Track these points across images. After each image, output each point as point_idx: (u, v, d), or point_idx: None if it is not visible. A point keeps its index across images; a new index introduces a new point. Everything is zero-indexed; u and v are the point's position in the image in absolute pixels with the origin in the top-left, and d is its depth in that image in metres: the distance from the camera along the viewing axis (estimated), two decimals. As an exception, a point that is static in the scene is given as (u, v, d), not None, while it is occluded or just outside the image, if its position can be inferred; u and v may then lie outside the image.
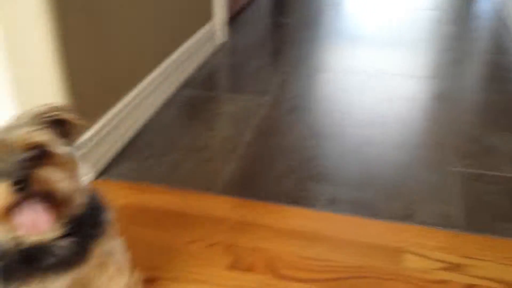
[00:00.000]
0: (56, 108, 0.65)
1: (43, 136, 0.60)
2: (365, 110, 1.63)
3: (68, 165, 0.63)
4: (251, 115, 1.62)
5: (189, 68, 1.91)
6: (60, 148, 0.63)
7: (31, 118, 0.62)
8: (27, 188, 0.56)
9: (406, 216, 1.16)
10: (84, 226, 0.67)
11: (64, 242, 0.66)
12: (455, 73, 1.85)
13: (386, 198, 1.22)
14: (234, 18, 2.52)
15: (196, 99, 1.76)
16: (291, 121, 1.59)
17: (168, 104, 1.71)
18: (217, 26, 2.18)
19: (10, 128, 0.60)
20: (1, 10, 1.12)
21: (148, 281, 1.00)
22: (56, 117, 0.65)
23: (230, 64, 2.06)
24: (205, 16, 2.08)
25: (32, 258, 0.65)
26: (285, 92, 1.77)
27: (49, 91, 1.22)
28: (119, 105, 1.46)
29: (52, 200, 0.59)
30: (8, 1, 1.11)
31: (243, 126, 1.56)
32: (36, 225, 0.58)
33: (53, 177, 0.60)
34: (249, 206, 1.21)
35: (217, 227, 1.14)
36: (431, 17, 2.43)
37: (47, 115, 0.64)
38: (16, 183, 0.56)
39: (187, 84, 1.86)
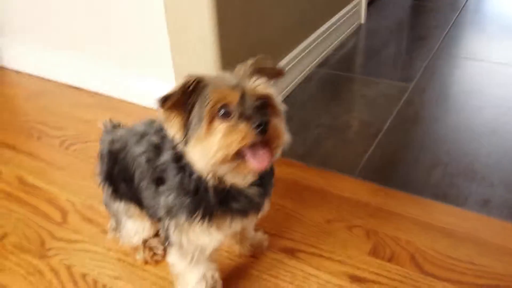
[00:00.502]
0: (264, 60, 0.72)
1: (270, 88, 0.68)
2: (490, 97, 1.46)
3: (282, 114, 0.70)
4: (392, 100, 1.54)
5: (329, 47, 1.87)
6: (278, 99, 0.69)
7: (251, 70, 0.69)
8: (265, 132, 0.63)
9: None
10: (265, 181, 0.73)
11: (253, 190, 0.73)
12: None
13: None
14: (372, 2, 2.42)
15: (334, 79, 1.71)
16: (438, 113, 1.48)
17: (306, 80, 1.69)
18: (359, 6, 2.10)
19: (240, 78, 0.67)
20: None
21: (287, 251, 1.00)
22: (265, 67, 0.71)
23: (370, 47, 1.97)
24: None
25: (226, 199, 0.72)
26: (429, 80, 1.65)
27: (204, 56, 1.26)
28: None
29: (272, 144, 0.66)
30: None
31: (384, 111, 1.48)
32: (261, 163, 0.64)
33: (280, 126, 0.67)
34: (391, 194, 1.14)
35: (357, 210, 1.10)
36: None
37: (260, 66, 0.71)
38: (258, 126, 0.62)
39: (326, 62, 1.81)
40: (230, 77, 0.68)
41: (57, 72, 1.75)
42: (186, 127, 0.66)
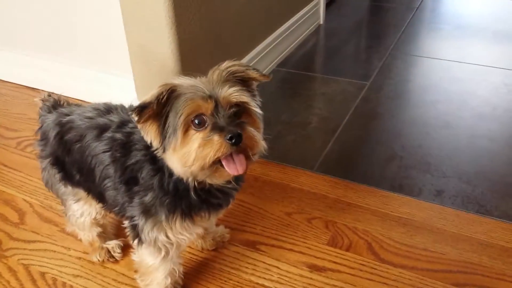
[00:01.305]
0: (244, 66, 0.72)
1: (247, 96, 0.69)
2: (479, 102, 1.53)
3: (259, 122, 0.72)
4: (351, 97, 1.58)
5: (289, 46, 1.90)
6: (255, 106, 0.71)
7: (225, 76, 0.69)
8: (239, 143, 0.64)
9: (519, 217, 1.08)
10: (238, 177, 0.73)
11: (229, 185, 0.75)
12: None
13: (498, 196, 1.14)
14: (332, 1, 2.47)
15: (295, 77, 1.74)
16: (394, 107, 1.53)
17: (267, 79, 1.71)
18: (318, 7, 2.14)
19: (213, 85, 0.67)
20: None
21: (249, 244, 1.01)
22: (245, 75, 0.72)
23: (329, 46, 2.02)
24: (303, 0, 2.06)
25: (206, 196, 0.75)
26: (386, 77, 1.70)
27: (162, 58, 1.26)
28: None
29: (248, 152, 0.67)
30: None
31: (343, 108, 1.52)
32: (237, 171, 0.66)
33: (256, 135, 0.68)
34: (349, 187, 1.18)
35: (317, 203, 1.12)
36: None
37: (238, 73, 0.71)
38: (231, 137, 0.64)
39: (287, 61, 1.84)
40: (203, 85, 0.68)
41: (13, 73, 1.71)
42: (162, 135, 0.67)
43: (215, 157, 0.65)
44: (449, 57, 1.84)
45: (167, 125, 0.66)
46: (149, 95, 0.65)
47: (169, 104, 0.66)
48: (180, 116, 0.65)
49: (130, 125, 0.78)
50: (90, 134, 0.81)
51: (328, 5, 2.35)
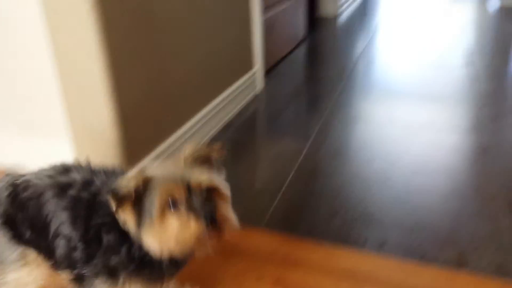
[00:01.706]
0: (207, 149, 0.81)
1: (214, 177, 0.76)
2: (411, 159, 1.62)
3: (228, 197, 0.78)
4: (292, 157, 1.63)
5: (230, 113, 1.96)
6: (223, 184, 0.77)
7: (192, 161, 0.77)
8: (214, 224, 0.71)
9: (459, 264, 1.12)
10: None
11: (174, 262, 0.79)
12: (495, 127, 1.85)
13: (438, 244, 1.19)
14: (272, 69, 2.60)
15: (237, 142, 1.78)
16: (334, 166, 1.59)
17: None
18: (256, 76, 2.25)
19: (183, 171, 0.74)
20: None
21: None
22: (207, 156, 0.80)
23: (270, 111, 2.10)
24: (246, 66, 2.15)
25: (162, 267, 0.79)
26: (325, 138, 1.78)
27: (103, 125, 1.26)
28: (164, 145, 1.49)
29: (222, 229, 0.74)
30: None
31: (285, 167, 1.56)
32: (211, 246, 0.73)
33: (227, 213, 0.76)
34: (296, 243, 1.18)
35: (265, 261, 1.11)
36: (465, 74, 2.46)
37: (202, 155, 0.79)
38: (205, 220, 0.70)
39: (228, 128, 1.89)
40: (174, 169, 0.75)
41: None
42: (138, 218, 0.72)
43: (193, 239, 0.71)
44: (382, 118, 1.96)
45: (143, 209, 0.72)
46: (125, 184, 0.72)
47: (145, 192, 0.72)
48: (156, 201, 0.71)
49: (96, 184, 0.80)
50: (50, 192, 0.80)
51: (267, 73, 2.46)
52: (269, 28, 2.49)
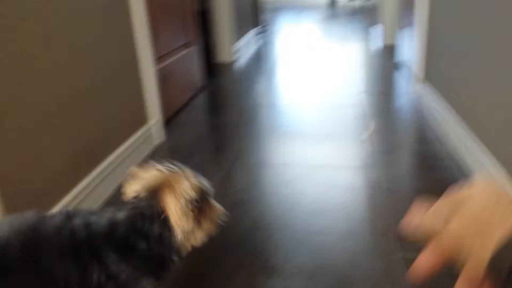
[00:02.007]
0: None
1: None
2: (310, 201, 1.66)
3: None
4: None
5: (125, 172, 1.89)
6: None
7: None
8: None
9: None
10: None
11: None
12: (387, 163, 1.96)
13: (338, 287, 1.20)
14: (172, 119, 2.58)
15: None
16: (237, 215, 1.58)
17: (106, 207, 1.65)
18: (154, 128, 2.21)
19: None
20: None
21: None
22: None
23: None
24: (141, 119, 2.11)
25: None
26: (227, 187, 1.77)
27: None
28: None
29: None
30: None
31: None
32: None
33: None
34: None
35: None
36: (355, 112, 2.61)
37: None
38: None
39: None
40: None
41: None
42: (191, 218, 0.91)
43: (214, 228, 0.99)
44: (281, 161, 2.00)
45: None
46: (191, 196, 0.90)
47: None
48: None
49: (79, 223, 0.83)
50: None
51: (167, 123, 2.43)
52: (164, 78, 2.48)
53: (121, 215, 0.87)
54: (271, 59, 4.27)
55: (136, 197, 0.88)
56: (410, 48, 3.25)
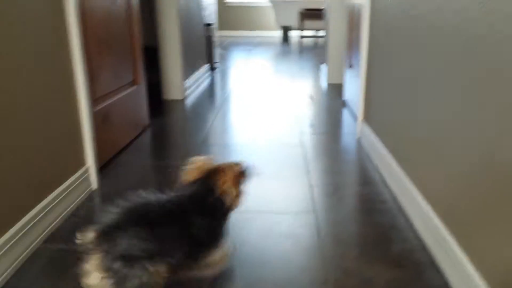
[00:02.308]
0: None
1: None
2: (249, 249, 1.59)
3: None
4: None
5: (56, 220, 1.77)
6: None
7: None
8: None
9: None
10: None
11: None
12: (329, 206, 1.93)
13: None
14: (111, 161, 2.47)
15: (64, 253, 1.59)
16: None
17: (30, 261, 1.52)
18: (90, 172, 2.10)
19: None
20: None
21: None
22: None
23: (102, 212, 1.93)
24: (75, 164, 2.00)
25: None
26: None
27: None
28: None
29: None
30: None
31: None
32: None
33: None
34: None
35: None
36: (298, 153, 2.60)
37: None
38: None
39: (55, 236, 1.69)
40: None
41: None
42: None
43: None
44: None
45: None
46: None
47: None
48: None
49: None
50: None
51: (102, 168, 2.32)
52: (105, 119, 2.39)
53: (193, 190, 1.33)
54: (222, 96, 4.25)
55: (195, 180, 1.35)
56: (355, 88, 3.31)
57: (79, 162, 2.04)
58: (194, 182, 1.33)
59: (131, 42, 2.85)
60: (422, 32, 1.72)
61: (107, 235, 1.12)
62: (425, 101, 1.69)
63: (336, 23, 4.53)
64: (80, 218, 1.86)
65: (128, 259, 1.11)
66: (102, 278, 1.11)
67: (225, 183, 1.32)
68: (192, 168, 1.36)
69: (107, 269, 1.10)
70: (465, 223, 1.33)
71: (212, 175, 1.34)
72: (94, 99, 2.29)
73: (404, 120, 1.97)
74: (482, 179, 1.22)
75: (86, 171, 2.07)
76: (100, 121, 2.34)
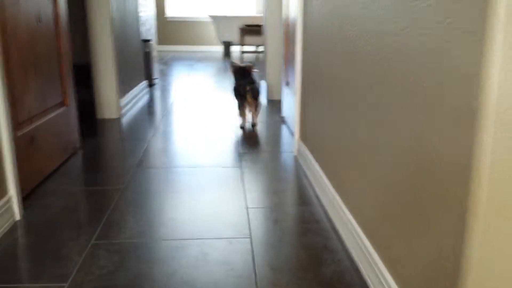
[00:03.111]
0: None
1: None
2: (179, 282, 1.53)
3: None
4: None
5: (-28, 256, 1.63)
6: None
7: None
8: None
9: None
10: None
11: None
12: (264, 229, 1.92)
13: None
14: (37, 188, 2.34)
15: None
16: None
17: None
18: (12, 201, 1.97)
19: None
20: None
21: None
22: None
23: (25, 245, 1.81)
24: None
25: None
26: (86, 273, 1.59)
27: None
28: None
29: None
30: None
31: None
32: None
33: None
34: None
35: None
36: (235, 174, 2.58)
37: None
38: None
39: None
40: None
41: None
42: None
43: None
44: (149, 239, 1.86)
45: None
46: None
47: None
48: None
49: None
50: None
51: (27, 196, 2.19)
52: (30, 144, 2.26)
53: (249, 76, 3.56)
54: (161, 113, 4.17)
55: (240, 69, 3.63)
56: (291, 105, 3.34)
57: (2, 191, 1.91)
58: (241, 70, 3.58)
59: (59, 61, 2.73)
60: (346, 45, 1.76)
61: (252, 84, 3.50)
62: (349, 118, 1.72)
63: (273, 39, 4.58)
64: (1, 251, 1.73)
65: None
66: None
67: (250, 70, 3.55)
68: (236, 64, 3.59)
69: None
70: (384, 237, 1.36)
71: (246, 68, 3.55)
72: (18, 123, 2.17)
73: (332, 137, 2.00)
74: (398, 194, 1.25)
75: (8, 201, 1.94)
76: (25, 146, 2.21)
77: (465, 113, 0.93)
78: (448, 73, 1.00)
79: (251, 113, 3.56)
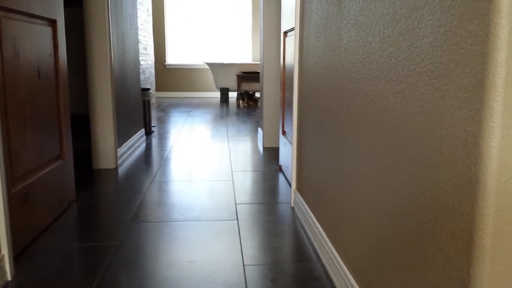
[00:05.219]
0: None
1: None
2: None
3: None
4: None
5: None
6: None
7: None
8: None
9: None
10: None
11: None
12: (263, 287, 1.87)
13: None
14: (27, 248, 2.29)
15: None
16: None
17: None
18: (4, 261, 1.92)
19: None
20: None
21: None
22: None
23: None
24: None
25: None
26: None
27: None
28: None
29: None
30: None
31: None
32: None
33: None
34: None
35: None
36: (232, 229, 2.54)
37: None
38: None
39: None
40: None
41: None
42: None
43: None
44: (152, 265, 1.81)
45: None
46: None
47: None
48: None
49: None
50: None
51: (19, 254, 2.14)
52: (23, 200, 2.23)
53: None
54: (158, 163, 4.16)
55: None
56: (288, 155, 3.34)
57: (-9, 252, 1.87)
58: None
59: (58, 115, 2.75)
60: (342, 102, 1.77)
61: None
62: (345, 170, 1.71)
63: (270, 87, 4.64)
64: (-13, 318, 1.67)
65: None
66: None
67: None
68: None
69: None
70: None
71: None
72: (13, 180, 2.15)
73: (327, 188, 1.99)
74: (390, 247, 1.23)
75: (0, 260, 1.90)
76: (20, 202, 2.19)
77: (464, 182, 0.92)
78: (446, 140, 1.00)
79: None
